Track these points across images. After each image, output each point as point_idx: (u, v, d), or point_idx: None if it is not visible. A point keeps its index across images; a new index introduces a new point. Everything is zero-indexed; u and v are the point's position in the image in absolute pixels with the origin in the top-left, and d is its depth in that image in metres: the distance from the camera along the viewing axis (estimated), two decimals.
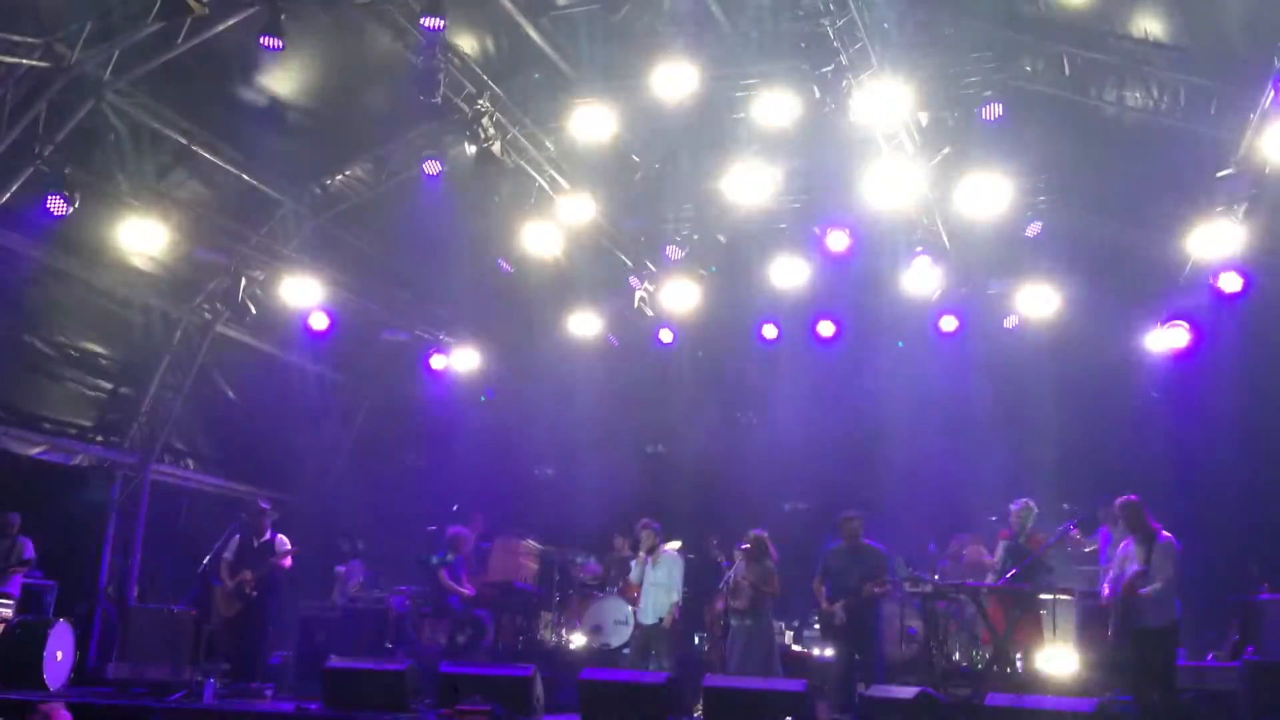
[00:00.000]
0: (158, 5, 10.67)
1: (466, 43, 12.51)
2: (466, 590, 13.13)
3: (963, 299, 14.85)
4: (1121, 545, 9.90)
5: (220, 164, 13.24)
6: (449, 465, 16.54)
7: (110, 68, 11.46)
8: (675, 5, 12.01)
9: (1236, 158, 11.20)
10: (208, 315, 14.74)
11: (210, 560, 12.25)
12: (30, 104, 11.27)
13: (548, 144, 13.50)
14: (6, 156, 11.30)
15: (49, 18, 10.89)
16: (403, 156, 14.28)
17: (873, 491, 13.28)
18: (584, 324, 15.91)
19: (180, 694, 10.72)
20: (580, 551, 15.20)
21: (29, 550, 12.00)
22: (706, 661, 12.89)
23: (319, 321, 14.65)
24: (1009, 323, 14.72)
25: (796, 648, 13.26)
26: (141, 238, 12.74)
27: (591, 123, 12.34)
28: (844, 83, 11.30)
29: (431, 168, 13.42)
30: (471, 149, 12.85)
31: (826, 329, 15.44)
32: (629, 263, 15.45)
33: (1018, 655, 11.27)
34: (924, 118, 12.64)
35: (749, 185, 12.99)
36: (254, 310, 14.12)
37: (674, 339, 16.22)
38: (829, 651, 11.48)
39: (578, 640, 13.86)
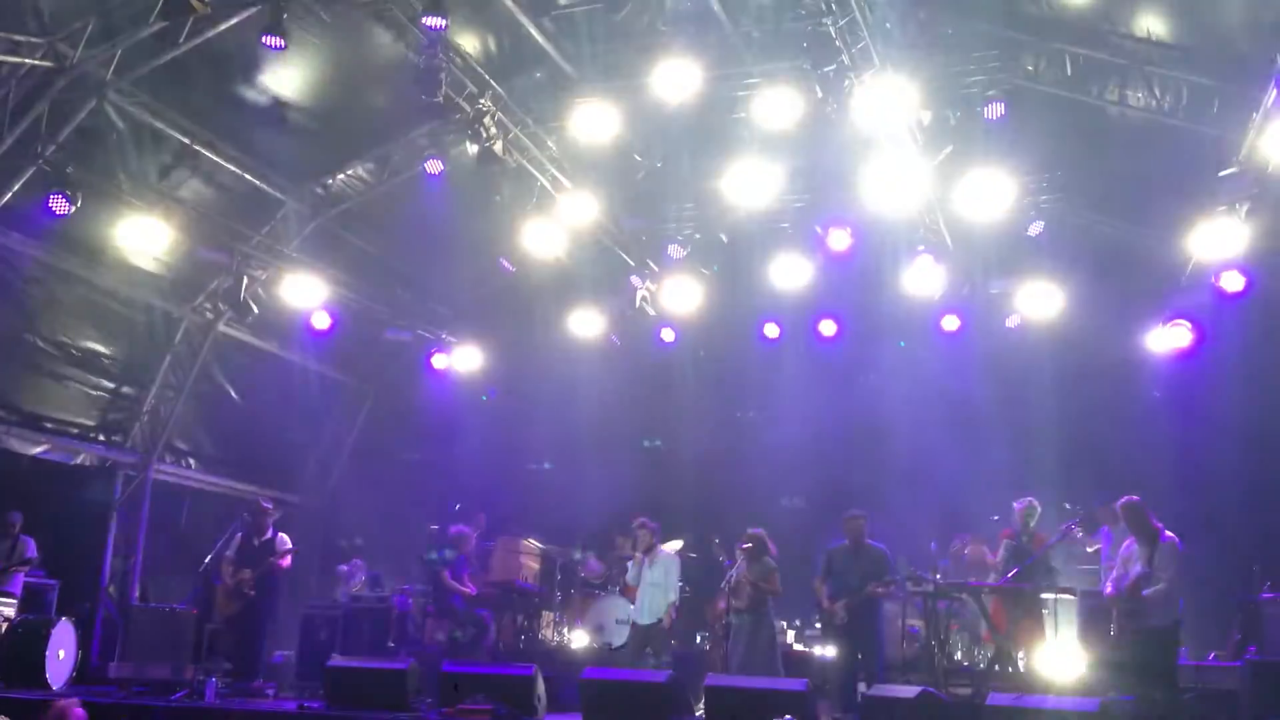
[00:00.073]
0: (160, 5, 10.69)
1: (468, 42, 12.51)
2: (468, 589, 13.13)
3: (965, 298, 14.85)
4: (1124, 545, 9.89)
5: (222, 163, 13.27)
6: (451, 464, 16.55)
7: (112, 67, 11.48)
8: (677, 4, 12.03)
9: (1239, 157, 11.20)
10: (210, 314, 14.75)
11: (212, 559, 12.26)
12: (32, 103, 11.30)
13: (549, 143, 13.51)
14: (9, 156, 11.33)
15: (51, 17, 10.91)
16: (404, 156, 14.30)
17: (875, 491, 13.27)
18: (586, 323, 15.92)
19: (182, 693, 10.72)
20: (581, 550, 15.20)
21: (31, 549, 12.01)
22: (708, 661, 12.88)
23: (321, 321, 14.67)
24: (1011, 322, 14.71)
25: (798, 647, 13.25)
26: (143, 237, 12.76)
27: (593, 122, 12.35)
28: (846, 82, 11.29)
29: (433, 167, 13.44)
30: (473, 148, 12.85)
31: (828, 328, 15.45)
32: (631, 262, 15.45)
33: (1019, 655, 11.27)
34: (926, 117, 12.62)
35: (751, 184, 12.99)
36: (256, 309, 14.13)
37: (676, 338, 16.22)
38: (830, 651, 11.46)
39: (579, 639, 13.86)
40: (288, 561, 12.31)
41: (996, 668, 11.05)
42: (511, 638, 14.01)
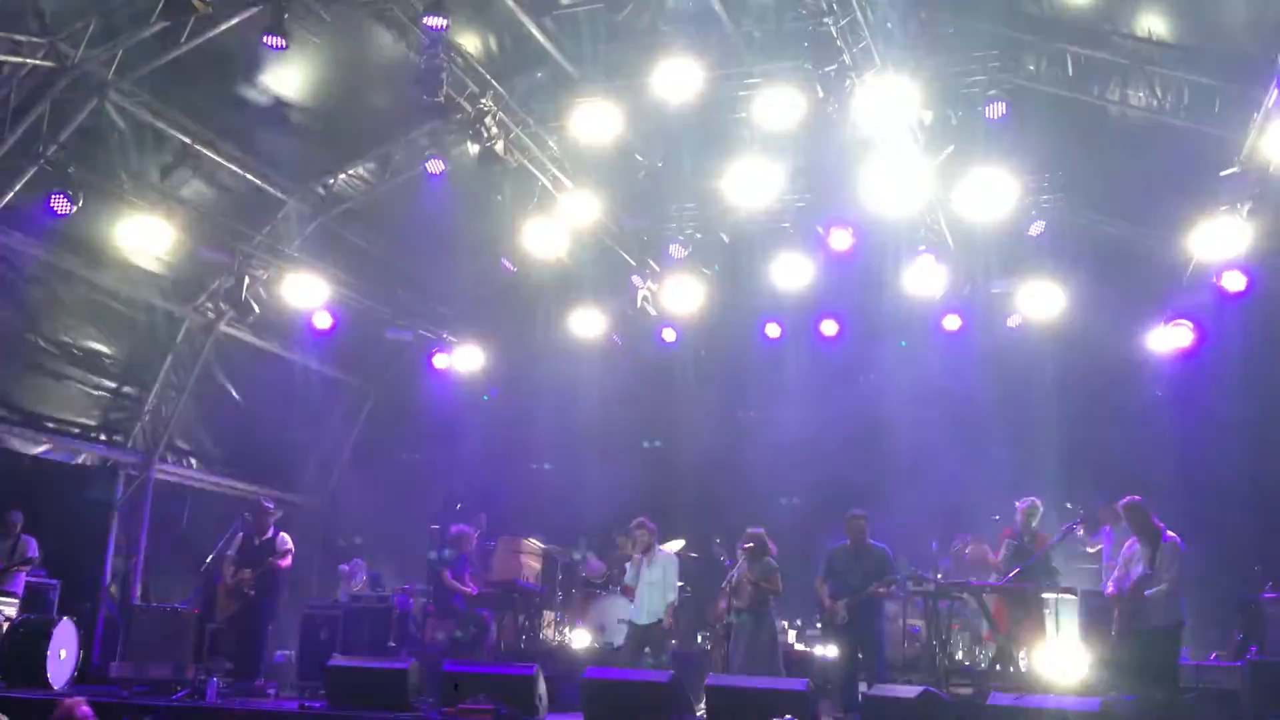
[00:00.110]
0: (161, 5, 10.70)
1: (469, 42, 12.51)
2: (469, 589, 13.13)
3: (966, 298, 14.85)
4: (1126, 545, 9.89)
5: (223, 163, 13.28)
6: (452, 464, 16.55)
7: (114, 67, 11.49)
8: (678, 4, 12.02)
9: (1240, 157, 11.19)
10: (211, 314, 14.76)
11: (213, 558, 12.26)
12: (34, 103, 11.31)
13: (551, 143, 13.50)
14: (10, 156, 11.34)
15: (53, 17, 10.93)
16: (406, 156, 14.31)
17: (876, 490, 13.26)
18: (587, 323, 15.92)
19: (184, 692, 10.74)
20: (583, 549, 15.20)
21: (32, 549, 12.02)
22: (709, 661, 12.87)
23: (322, 320, 14.68)
24: (1012, 322, 14.71)
25: (799, 647, 13.25)
26: (145, 237, 12.77)
27: (594, 122, 12.34)
28: (847, 82, 11.28)
29: (434, 167, 13.43)
30: (474, 148, 12.85)
31: (830, 328, 15.45)
32: (632, 262, 15.45)
33: (1021, 654, 11.27)
34: (927, 117, 12.63)
35: (752, 184, 12.98)
36: (257, 309, 14.13)
37: (677, 338, 16.23)
38: (832, 651, 11.46)
39: (581, 639, 13.86)
40: (287, 562, 12.32)
41: (998, 667, 11.07)
42: (513, 637, 14.00)
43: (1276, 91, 10.05)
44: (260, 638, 12.24)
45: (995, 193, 12.34)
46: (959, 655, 12.47)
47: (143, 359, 14.47)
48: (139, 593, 14.35)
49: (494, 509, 15.58)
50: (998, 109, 11.71)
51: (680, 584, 12.71)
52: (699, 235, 15.40)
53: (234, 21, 11.20)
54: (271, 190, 14.06)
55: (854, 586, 10.86)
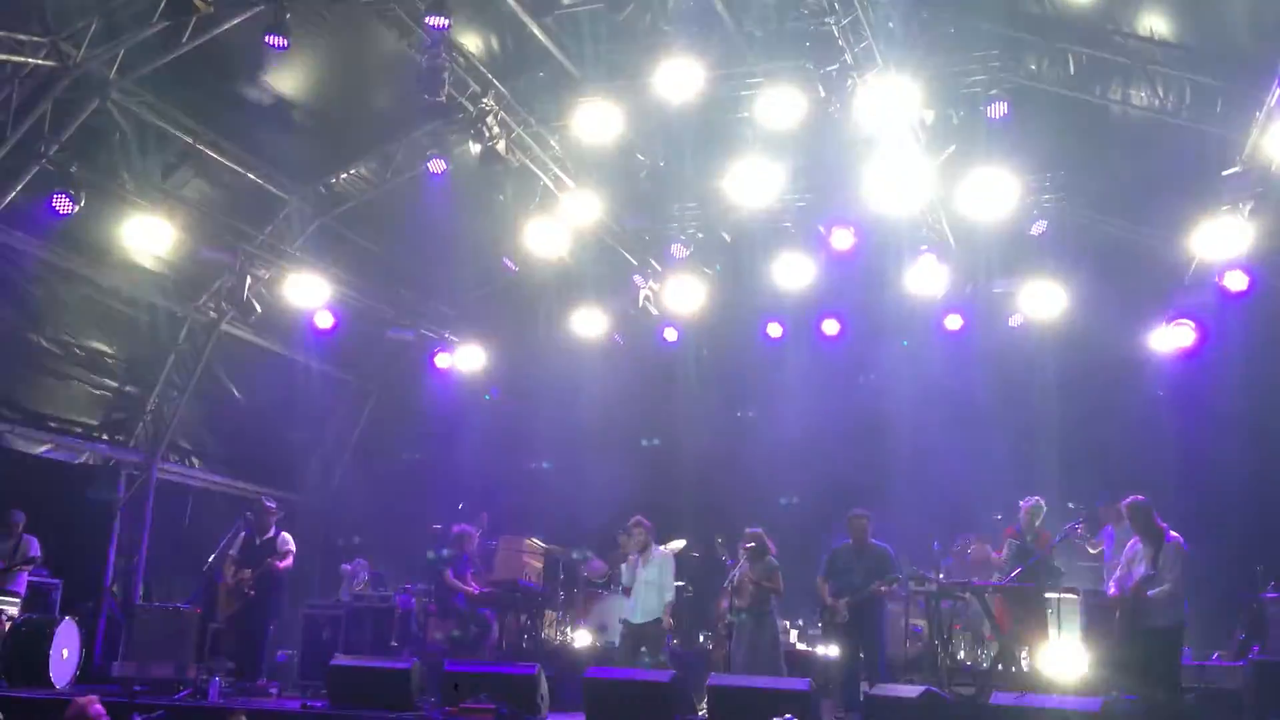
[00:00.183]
0: (163, 4, 10.69)
1: (471, 41, 12.52)
2: (471, 588, 13.14)
3: (968, 297, 14.85)
4: (1129, 545, 9.87)
5: (225, 163, 13.28)
6: (454, 463, 16.55)
7: (116, 66, 11.49)
8: (679, 4, 12.01)
9: (1242, 156, 11.18)
10: (213, 314, 14.76)
11: (215, 558, 12.27)
12: (36, 103, 11.31)
13: (552, 143, 13.51)
14: (12, 155, 11.35)
15: (55, 17, 10.93)
16: (407, 155, 14.31)
17: (878, 490, 13.27)
18: (588, 323, 15.92)
19: (186, 692, 10.75)
20: (584, 549, 15.20)
21: (34, 548, 12.02)
22: (711, 660, 12.87)
23: (324, 320, 14.69)
24: (1014, 321, 14.70)
25: (801, 646, 13.25)
26: (147, 236, 12.78)
27: (596, 121, 12.34)
28: (849, 81, 11.28)
29: (436, 166, 13.43)
30: (476, 148, 12.86)
31: (831, 327, 15.45)
32: (633, 261, 15.45)
33: (1023, 654, 11.26)
34: (929, 116, 12.63)
35: (753, 184, 12.97)
36: (259, 309, 14.13)
37: (678, 338, 16.22)
38: (833, 650, 11.46)
39: (582, 639, 13.87)
40: (287, 563, 12.31)
41: (1000, 667, 11.05)
42: (515, 637, 14.01)
43: (1278, 91, 10.04)
44: (261, 637, 12.25)
45: (997, 192, 12.34)
46: (961, 655, 12.47)
47: (145, 358, 14.48)
48: (141, 592, 14.36)
49: (495, 508, 15.59)
50: (999, 108, 11.71)
51: (681, 583, 12.72)
52: (700, 235, 15.40)
53: (236, 21, 11.20)
54: (273, 190, 14.07)
55: (855, 585, 10.86)
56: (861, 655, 10.88)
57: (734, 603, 11.09)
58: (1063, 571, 11.68)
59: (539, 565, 14.93)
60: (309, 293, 14.23)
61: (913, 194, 12.76)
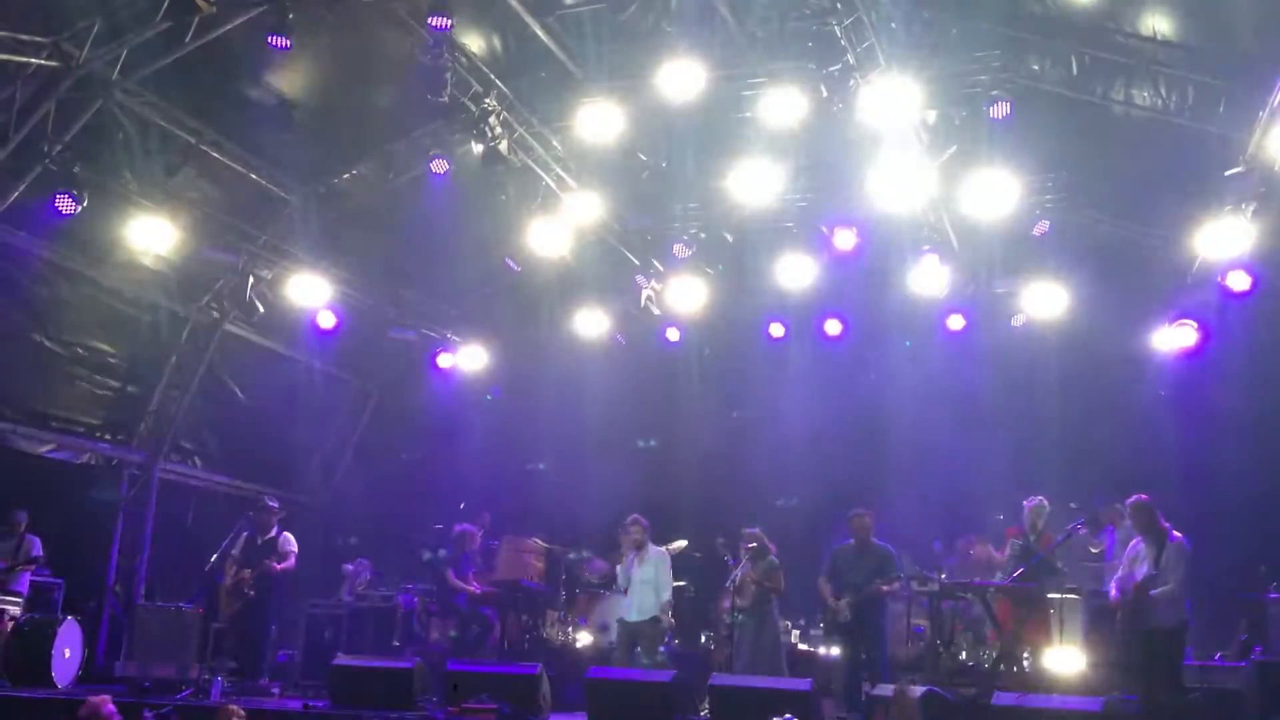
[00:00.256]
0: (166, 4, 10.71)
1: (473, 41, 12.52)
2: (473, 588, 13.14)
3: (970, 298, 14.83)
4: (1131, 545, 9.87)
5: (228, 163, 13.27)
6: (455, 463, 16.55)
7: (119, 67, 11.48)
8: (682, 4, 12.01)
9: (1245, 156, 11.18)
10: (215, 314, 14.77)
11: (217, 558, 12.28)
12: (39, 103, 11.30)
13: (554, 143, 13.51)
14: (15, 156, 11.34)
15: (57, 17, 10.93)
16: (410, 155, 14.28)
17: (880, 489, 13.26)
18: (591, 323, 15.92)
19: (188, 691, 10.76)
20: (586, 549, 15.21)
21: (37, 548, 12.03)
22: (712, 660, 12.88)
23: (326, 320, 14.69)
24: (1016, 321, 14.69)
25: (803, 646, 13.25)
26: (150, 236, 12.78)
27: (598, 121, 12.34)
28: (851, 82, 11.28)
29: (438, 166, 13.42)
30: (478, 148, 12.88)
31: (834, 327, 15.43)
32: (636, 261, 15.46)
33: (1025, 654, 11.25)
34: (931, 116, 12.63)
35: (756, 184, 12.98)
36: (261, 309, 14.16)
37: (681, 338, 16.22)
38: (835, 650, 11.46)
39: (584, 638, 13.87)
40: (288, 563, 12.31)
41: (1001, 667, 11.05)
42: (516, 637, 14.01)
43: None
44: (262, 637, 12.26)
45: (999, 192, 12.34)
46: (963, 655, 12.46)
47: (147, 358, 14.49)
48: (143, 592, 14.37)
49: (497, 508, 15.60)
50: (1001, 109, 11.70)
51: (682, 583, 12.72)
52: (703, 235, 15.39)
53: (238, 21, 11.20)
54: (276, 190, 14.07)
55: (857, 585, 10.86)
56: (863, 655, 10.88)
57: (736, 603, 11.10)
58: (1065, 572, 11.67)
59: (541, 565, 14.93)
60: (311, 293, 14.24)
61: (915, 194, 12.76)
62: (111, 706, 7.24)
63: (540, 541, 14.99)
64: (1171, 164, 12.14)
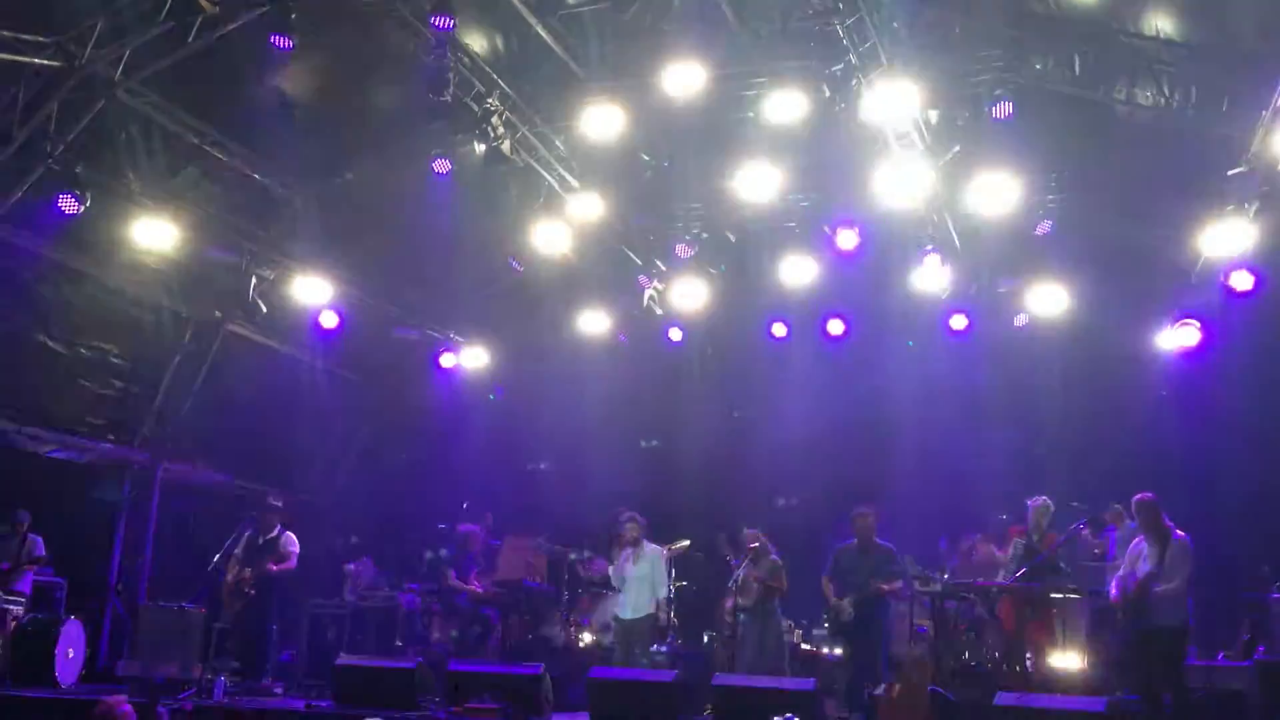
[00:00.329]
0: (169, 4, 10.71)
1: (476, 41, 12.51)
2: (475, 588, 13.14)
3: (972, 297, 14.81)
4: (1133, 543, 9.87)
5: (231, 163, 13.28)
6: (458, 463, 16.57)
7: (121, 67, 11.49)
8: (685, 4, 12.00)
9: (1248, 155, 11.16)
10: (218, 314, 14.78)
11: (220, 557, 12.30)
12: (41, 103, 11.31)
13: (557, 142, 13.50)
14: (18, 156, 11.35)
15: (60, 17, 10.94)
16: (412, 155, 14.25)
17: (882, 489, 13.25)
18: (593, 322, 15.92)
19: (191, 691, 10.76)
20: (588, 549, 15.20)
21: (40, 548, 12.06)
22: (715, 660, 12.87)
23: (329, 320, 14.70)
24: (1019, 321, 14.68)
25: (806, 646, 13.24)
26: (153, 237, 12.77)
27: (601, 121, 12.31)
28: (854, 81, 11.27)
29: (441, 166, 13.41)
30: (481, 148, 12.86)
31: (836, 327, 15.42)
32: (638, 261, 15.45)
33: (1027, 654, 11.25)
34: (934, 116, 12.59)
35: (758, 183, 12.96)
36: (264, 309, 14.16)
37: (683, 337, 16.21)
38: (838, 650, 11.45)
39: (586, 638, 13.86)
40: (289, 564, 12.31)
41: (1004, 667, 11.04)
42: (519, 637, 14.02)
43: None
44: (264, 636, 12.26)
45: (1001, 192, 12.32)
46: (965, 655, 12.45)
47: (150, 358, 14.50)
48: (146, 591, 14.38)
49: (499, 508, 15.60)
50: (1004, 108, 11.67)
51: (684, 582, 12.71)
52: (705, 235, 15.38)
53: (241, 21, 11.19)
54: (279, 189, 14.08)
55: (859, 584, 10.86)
56: (866, 655, 10.87)
57: (739, 602, 11.10)
58: (1068, 572, 11.66)
59: (543, 565, 14.93)
60: (314, 293, 14.25)
61: (917, 194, 12.74)
62: (128, 707, 7.24)
63: (542, 541, 14.98)
64: (1174, 163, 12.13)
